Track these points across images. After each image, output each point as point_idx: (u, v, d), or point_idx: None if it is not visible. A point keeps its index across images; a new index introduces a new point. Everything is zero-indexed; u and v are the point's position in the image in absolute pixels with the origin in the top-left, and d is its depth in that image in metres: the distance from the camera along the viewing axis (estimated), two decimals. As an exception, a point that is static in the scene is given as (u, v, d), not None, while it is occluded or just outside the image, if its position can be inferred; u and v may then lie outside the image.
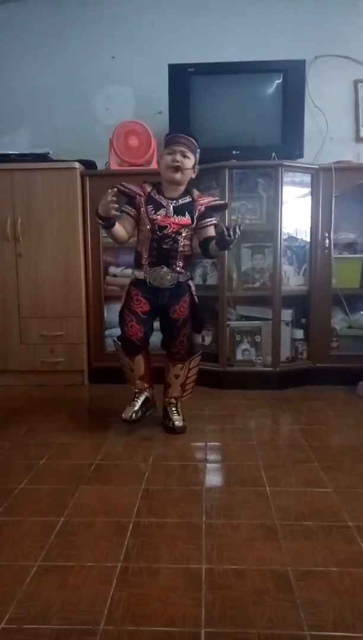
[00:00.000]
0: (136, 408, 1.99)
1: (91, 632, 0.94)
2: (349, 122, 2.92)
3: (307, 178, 2.58)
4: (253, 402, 2.38)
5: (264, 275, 2.59)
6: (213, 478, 1.60)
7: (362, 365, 2.56)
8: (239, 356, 2.61)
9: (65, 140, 2.93)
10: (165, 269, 1.90)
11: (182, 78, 2.59)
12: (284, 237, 2.54)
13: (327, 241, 2.57)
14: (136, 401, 2.01)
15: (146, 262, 1.92)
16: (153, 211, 1.89)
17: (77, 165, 2.59)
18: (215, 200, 2.03)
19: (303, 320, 2.69)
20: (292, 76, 2.57)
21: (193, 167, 1.92)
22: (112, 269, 2.73)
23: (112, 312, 2.72)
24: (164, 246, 1.88)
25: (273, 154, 2.50)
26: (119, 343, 2.04)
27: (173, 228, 1.88)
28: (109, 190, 1.76)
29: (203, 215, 1.94)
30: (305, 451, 1.79)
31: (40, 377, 2.72)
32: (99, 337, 2.71)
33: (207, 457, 1.76)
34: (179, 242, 1.90)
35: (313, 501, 1.42)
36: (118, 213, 1.84)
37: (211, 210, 1.97)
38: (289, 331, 2.66)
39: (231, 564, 1.14)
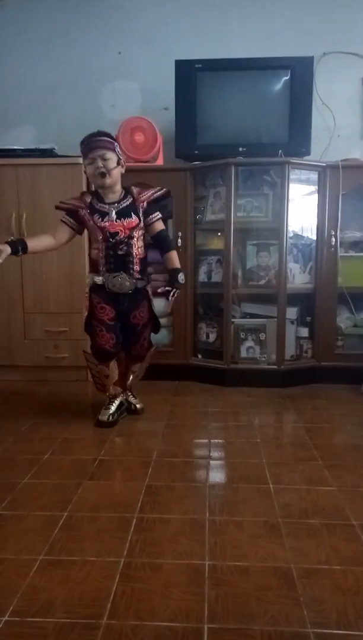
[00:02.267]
0: (112, 411, 2.05)
1: (94, 626, 0.94)
2: (357, 120, 2.90)
3: (314, 176, 2.57)
4: (257, 399, 2.38)
5: (269, 273, 2.58)
6: (217, 475, 1.60)
7: (367, 364, 2.56)
8: (243, 354, 2.61)
9: (70, 136, 2.89)
10: (123, 274, 1.91)
11: (189, 74, 2.58)
12: (290, 234, 2.53)
13: (333, 239, 2.56)
14: (112, 405, 2.07)
15: (104, 269, 1.93)
16: (100, 219, 1.89)
17: (82, 161, 2.58)
18: (155, 192, 1.96)
19: (308, 318, 2.68)
20: (300, 73, 2.55)
21: (118, 163, 1.89)
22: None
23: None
24: (120, 252, 1.89)
25: (280, 151, 2.49)
26: (89, 352, 2.05)
27: (125, 233, 1.89)
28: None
29: (147, 212, 1.94)
30: (309, 449, 1.79)
31: (44, 373, 2.72)
32: (104, 333, 2.71)
33: (211, 454, 1.76)
34: (133, 246, 1.91)
35: (316, 499, 1.42)
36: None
37: (154, 203, 1.96)
38: (294, 329, 2.65)
39: (235, 560, 1.14)
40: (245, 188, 2.60)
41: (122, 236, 1.89)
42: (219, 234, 2.61)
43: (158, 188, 2.00)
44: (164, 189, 2.00)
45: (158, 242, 1.98)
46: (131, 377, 2.16)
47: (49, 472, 1.61)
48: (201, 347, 2.72)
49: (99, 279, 1.94)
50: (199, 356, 2.71)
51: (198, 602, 1.01)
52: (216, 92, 2.61)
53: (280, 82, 2.58)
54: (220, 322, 2.64)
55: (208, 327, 2.71)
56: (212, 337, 2.70)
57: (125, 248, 1.89)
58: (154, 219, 1.95)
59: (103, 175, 1.85)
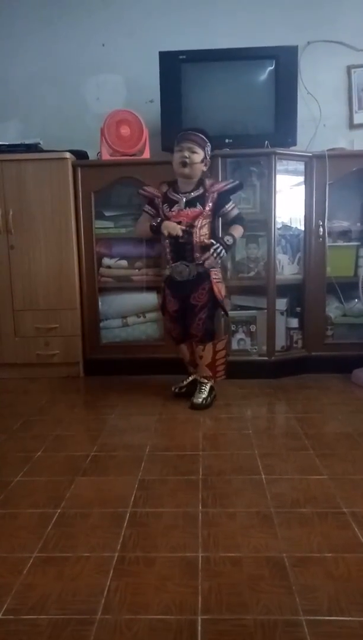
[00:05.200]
0: (182, 385, 2.30)
1: (88, 621, 0.95)
2: (342, 109, 2.90)
3: (301, 166, 2.56)
4: (249, 391, 2.39)
5: (258, 265, 2.58)
6: (209, 467, 1.61)
7: (357, 353, 2.57)
8: (234, 346, 2.62)
9: (55, 130, 2.89)
10: (183, 264, 2.06)
11: (173, 65, 2.55)
12: (278, 226, 2.53)
13: (321, 229, 2.56)
14: (185, 380, 2.30)
15: (170, 257, 2.11)
16: (168, 209, 2.07)
17: (68, 155, 2.56)
18: (227, 184, 2.11)
19: (298, 309, 2.69)
20: (284, 62, 2.54)
21: (203, 161, 2.04)
22: (106, 261, 2.71)
23: (106, 304, 2.72)
24: (181, 240, 2.03)
25: (266, 142, 2.47)
26: None
27: (187, 222, 2.03)
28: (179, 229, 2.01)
29: (220, 204, 2.08)
30: (300, 439, 1.80)
31: (35, 370, 2.71)
32: (94, 329, 2.70)
33: (203, 447, 1.76)
34: (194, 234, 2.03)
35: (308, 488, 1.44)
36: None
37: (226, 194, 2.09)
38: (284, 320, 2.66)
39: (228, 551, 1.15)
40: (233, 180, 2.58)
41: (183, 225, 2.02)
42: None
43: (231, 180, 2.17)
44: (237, 182, 2.15)
45: (231, 223, 2.14)
46: (199, 366, 2.20)
47: (42, 469, 1.61)
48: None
49: (167, 270, 2.14)
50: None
51: (191, 594, 1.02)
52: (201, 84, 2.59)
53: (265, 72, 2.56)
54: (211, 315, 2.63)
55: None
56: (203, 330, 2.69)
57: (186, 236, 2.03)
58: (229, 209, 2.10)
59: (184, 164, 2.00)
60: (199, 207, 2.03)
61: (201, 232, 2.05)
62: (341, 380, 2.52)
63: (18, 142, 2.65)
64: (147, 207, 2.17)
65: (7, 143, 2.62)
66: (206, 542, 1.19)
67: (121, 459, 1.68)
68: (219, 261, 2.09)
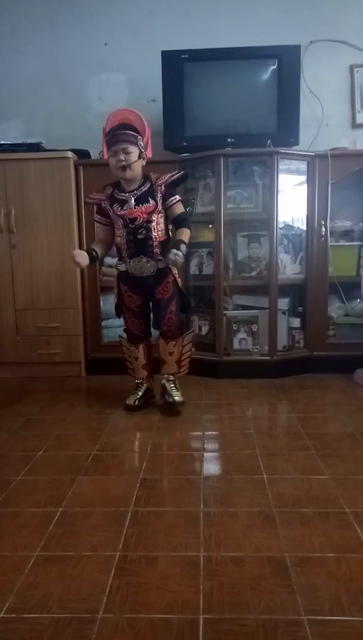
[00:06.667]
0: (139, 396, 2.15)
1: (90, 620, 0.95)
2: (345, 108, 2.90)
3: (303, 165, 2.56)
4: (250, 391, 2.39)
5: (260, 264, 2.58)
6: (211, 467, 1.61)
7: (359, 353, 2.57)
8: (236, 345, 2.61)
9: (58, 130, 2.90)
10: (144, 259, 1.98)
11: (175, 65, 2.55)
12: (280, 225, 2.53)
13: (323, 229, 2.56)
14: (139, 390, 2.16)
15: (126, 255, 2.01)
16: (119, 208, 1.97)
17: (70, 154, 2.57)
18: (172, 176, 2.01)
19: (300, 308, 2.69)
20: (287, 62, 2.54)
21: (140, 157, 1.95)
22: (108, 260, 2.71)
23: (108, 303, 2.71)
24: (139, 236, 1.96)
25: (269, 141, 2.47)
26: (125, 336, 2.18)
27: (143, 217, 1.95)
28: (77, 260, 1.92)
29: (165, 195, 1.98)
30: (302, 439, 1.80)
31: (37, 369, 2.71)
32: (96, 328, 2.71)
33: (205, 446, 1.76)
34: (152, 229, 1.97)
35: (310, 488, 1.43)
36: (86, 263, 1.95)
37: (172, 186, 2.00)
38: (286, 320, 2.66)
39: (229, 551, 1.15)
40: (235, 179, 2.59)
41: (140, 221, 1.95)
42: (209, 226, 2.60)
43: (176, 172, 2.06)
44: (181, 172, 2.06)
45: (177, 224, 2.01)
46: (168, 363, 2.13)
47: (43, 468, 1.61)
48: (193, 339, 2.72)
49: (122, 266, 2.04)
50: (192, 349, 2.71)
51: (193, 593, 1.01)
52: (204, 83, 2.59)
53: (268, 72, 2.56)
54: (212, 315, 2.64)
55: (201, 320, 2.71)
56: (204, 330, 2.70)
57: (144, 232, 1.96)
58: (173, 202, 1.99)
59: (124, 168, 1.92)
60: (152, 202, 1.94)
61: (159, 227, 1.98)
62: (343, 380, 2.52)
63: (20, 141, 2.66)
64: (98, 217, 2.05)
65: (9, 142, 2.63)
66: (207, 541, 1.19)
67: (122, 458, 1.68)
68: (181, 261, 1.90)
